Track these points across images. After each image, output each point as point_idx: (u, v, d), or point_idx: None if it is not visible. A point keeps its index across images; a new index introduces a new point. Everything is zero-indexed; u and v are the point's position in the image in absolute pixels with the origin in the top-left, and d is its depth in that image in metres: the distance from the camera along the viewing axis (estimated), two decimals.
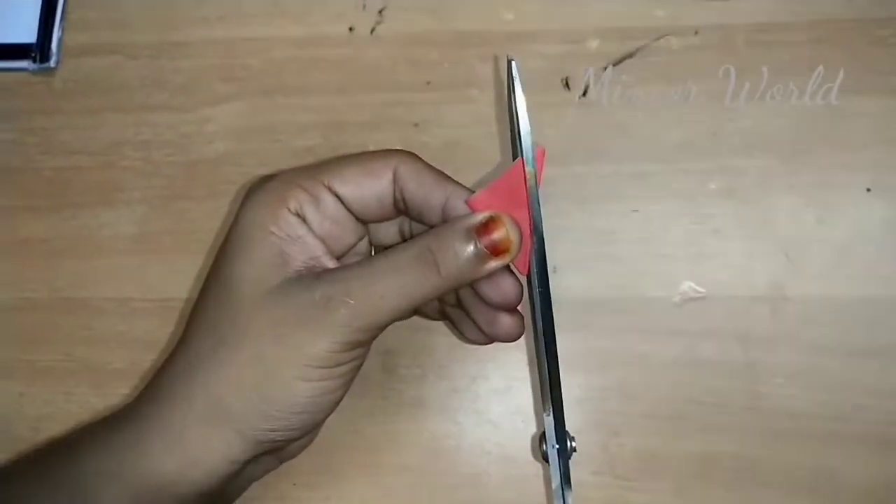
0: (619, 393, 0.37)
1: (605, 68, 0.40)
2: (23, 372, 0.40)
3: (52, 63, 0.43)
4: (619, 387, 0.37)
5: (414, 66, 0.42)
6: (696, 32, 0.40)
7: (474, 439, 0.37)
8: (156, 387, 0.29)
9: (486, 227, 0.27)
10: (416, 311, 0.34)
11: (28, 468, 0.30)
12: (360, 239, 0.32)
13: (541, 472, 0.37)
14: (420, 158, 0.30)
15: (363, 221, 0.31)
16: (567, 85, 0.40)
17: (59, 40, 0.43)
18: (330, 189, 0.29)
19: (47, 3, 0.43)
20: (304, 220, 0.29)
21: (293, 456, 0.34)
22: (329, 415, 0.30)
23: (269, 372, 0.27)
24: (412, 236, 0.33)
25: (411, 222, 0.32)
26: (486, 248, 0.27)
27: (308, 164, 0.30)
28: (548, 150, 0.39)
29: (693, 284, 0.38)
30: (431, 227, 0.30)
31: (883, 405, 0.36)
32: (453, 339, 0.38)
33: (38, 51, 0.42)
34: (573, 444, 0.30)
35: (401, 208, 0.30)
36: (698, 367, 0.37)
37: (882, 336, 0.37)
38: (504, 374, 0.38)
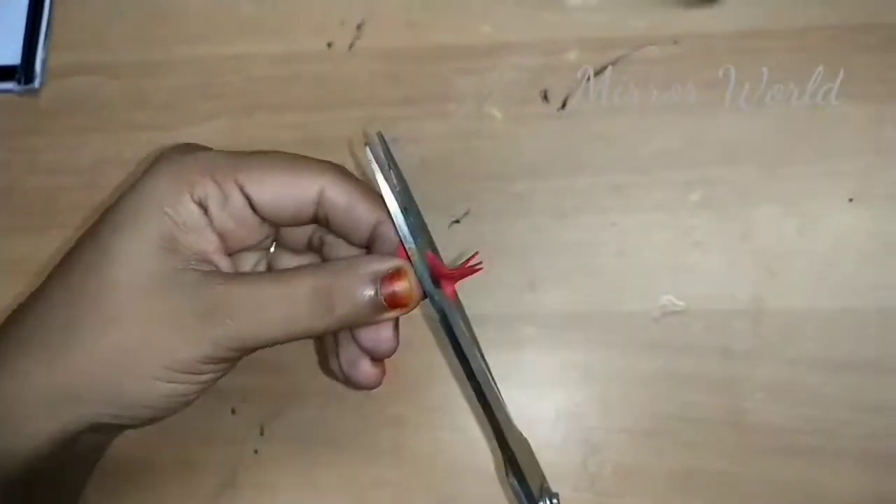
0: (599, 408, 0.37)
1: (585, 79, 0.40)
2: None
3: (36, 84, 0.43)
4: (599, 402, 0.37)
5: (392, 80, 0.41)
6: (676, 41, 0.40)
7: (453, 456, 0.37)
8: None
9: (391, 276, 0.26)
10: None
11: None
12: (263, 240, 0.30)
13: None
14: (351, 177, 0.28)
15: (272, 225, 0.29)
16: (546, 97, 0.40)
17: (43, 61, 0.44)
18: (242, 190, 0.27)
19: (31, 25, 0.43)
20: (205, 211, 0.27)
21: (137, 428, 0.31)
22: (177, 412, 0.28)
23: (124, 367, 0.25)
24: (320, 245, 0.31)
25: (322, 234, 0.31)
26: (385, 298, 0.26)
27: (233, 151, 0.28)
28: (527, 163, 0.39)
29: (672, 298, 0.37)
30: (351, 244, 0.29)
31: (867, 419, 0.36)
32: (431, 358, 0.38)
33: (22, 72, 0.43)
34: (554, 501, 0.30)
35: (321, 223, 0.29)
36: (678, 382, 0.37)
37: (865, 349, 0.36)
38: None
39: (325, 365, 0.32)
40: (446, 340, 0.28)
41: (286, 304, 0.26)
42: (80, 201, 0.42)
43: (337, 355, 0.31)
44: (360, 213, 0.28)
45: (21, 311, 0.27)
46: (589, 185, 0.39)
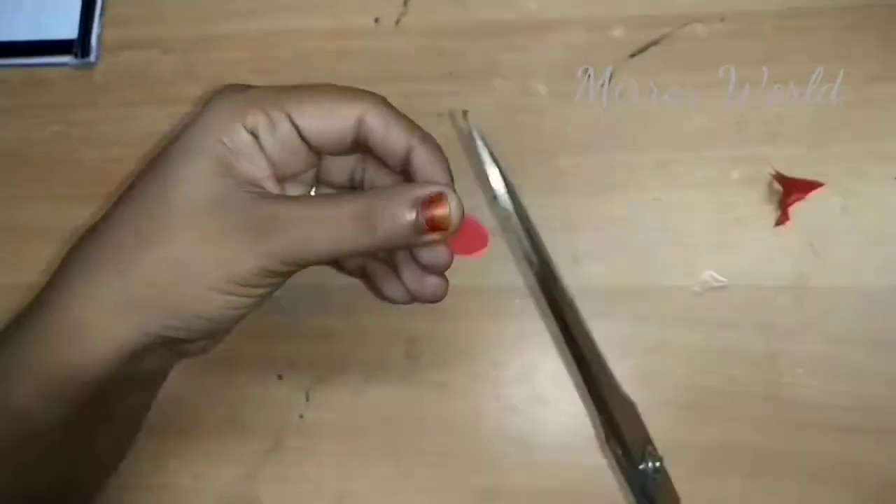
0: (639, 380, 0.37)
1: (630, 56, 0.40)
2: None
3: (92, 58, 0.44)
4: (639, 374, 0.38)
5: (438, 56, 0.42)
6: (722, 19, 0.40)
7: (494, 424, 0.38)
8: (63, 274, 0.29)
9: (431, 201, 0.27)
10: (337, 262, 0.35)
11: None
12: (309, 169, 0.32)
13: (559, 457, 0.38)
14: (388, 104, 0.30)
15: (317, 153, 0.31)
16: (590, 74, 0.41)
17: (99, 36, 0.45)
18: (290, 118, 0.29)
19: (87, 1, 0.45)
20: (256, 139, 0.29)
21: (192, 356, 0.33)
22: (231, 327, 0.30)
23: (186, 277, 0.27)
24: (362, 181, 0.33)
25: (364, 171, 0.33)
26: (425, 221, 0.27)
27: (278, 86, 0.30)
28: (571, 139, 0.40)
29: (714, 273, 0.38)
30: (388, 166, 0.31)
31: None
32: (475, 326, 0.39)
33: (79, 46, 0.44)
34: (657, 464, 0.31)
35: (361, 148, 0.30)
36: (719, 357, 0.37)
37: None
38: (525, 360, 0.39)
39: (379, 292, 0.34)
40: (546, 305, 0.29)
41: (333, 222, 0.27)
42: (133, 171, 0.43)
43: (399, 275, 0.32)
44: (395, 136, 0.29)
45: (91, 232, 0.29)
46: (632, 162, 0.39)
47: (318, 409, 0.40)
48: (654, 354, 0.38)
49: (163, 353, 0.32)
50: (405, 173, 0.31)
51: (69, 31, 0.44)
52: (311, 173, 0.33)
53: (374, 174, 0.33)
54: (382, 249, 0.28)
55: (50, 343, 0.28)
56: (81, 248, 0.29)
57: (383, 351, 0.39)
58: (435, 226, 0.27)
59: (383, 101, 0.30)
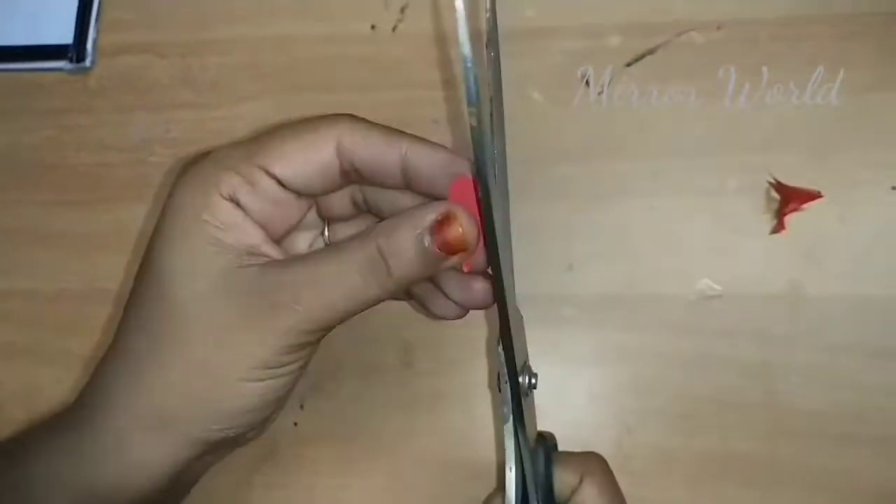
0: (634, 389, 0.37)
1: (627, 65, 0.40)
2: (59, 360, 0.41)
3: (87, 63, 0.44)
4: (634, 383, 0.38)
5: (435, 63, 0.42)
6: (719, 27, 0.40)
7: (493, 432, 0.38)
8: (92, 391, 0.28)
9: (439, 224, 0.25)
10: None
11: None
12: (306, 213, 0.30)
13: None
14: (363, 120, 0.28)
15: (308, 196, 0.29)
16: (587, 81, 0.40)
17: (94, 41, 0.45)
18: (265, 171, 0.27)
19: (83, 5, 0.44)
20: (238, 205, 0.27)
21: (240, 446, 0.32)
22: (280, 410, 0.29)
23: (213, 376, 0.26)
24: (365, 203, 0.31)
25: (363, 192, 0.30)
26: (439, 247, 0.25)
27: (243, 141, 0.28)
28: (567, 146, 0.40)
29: (710, 282, 0.38)
30: (389, 188, 0.28)
31: None
32: (472, 333, 0.39)
33: (74, 51, 0.44)
34: (533, 380, 0.29)
35: (352, 178, 0.28)
36: (714, 365, 0.37)
37: None
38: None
39: (430, 312, 0.33)
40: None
41: (345, 278, 0.26)
42: (127, 177, 0.43)
43: (444, 293, 0.31)
44: (380, 151, 0.27)
45: (107, 355, 0.28)
46: (628, 170, 0.39)
47: (313, 416, 0.39)
48: (649, 363, 0.38)
49: (215, 454, 0.30)
50: (408, 186, 0.29)
51: (64, 35, 0.44)
52: (311, 216, 0.31)
53: (377, 193, 0.30)
54: (404, 288, 0.27)
55: (87, 458, 0.27)
56: (105, 362, 0.28)
57: (379, 358, 0.39)
58: (451, 249, 0.26)
59: (354, 118, 0.28)
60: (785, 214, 0.37)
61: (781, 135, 0.38)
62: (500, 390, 0.29)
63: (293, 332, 0.26)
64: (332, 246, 0.28)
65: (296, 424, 0.39)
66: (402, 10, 0.43)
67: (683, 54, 0.40)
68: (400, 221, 0.26)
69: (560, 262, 0.39)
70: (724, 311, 0.37)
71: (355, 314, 0.27)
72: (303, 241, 0.32)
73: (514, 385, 0.28)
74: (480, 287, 0.30)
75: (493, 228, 0.24)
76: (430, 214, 0.26)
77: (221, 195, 0.26)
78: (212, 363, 0.26)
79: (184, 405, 0.26)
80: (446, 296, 0.31)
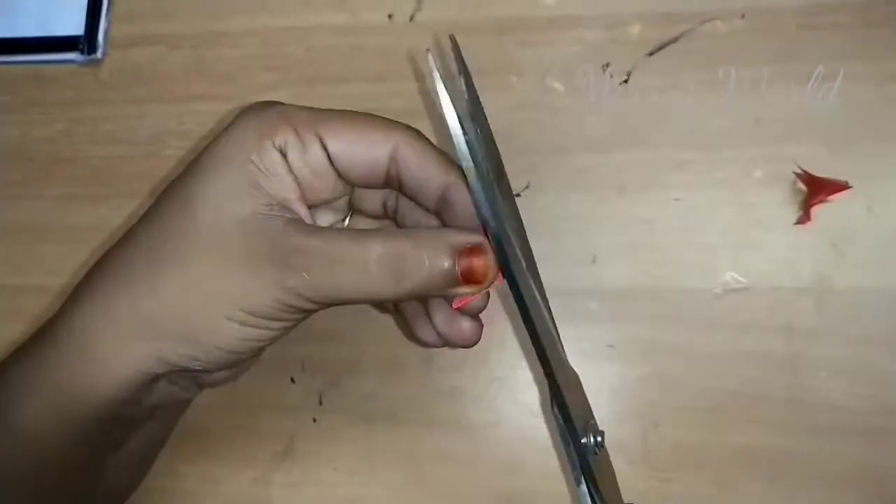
0: (659, 383, 0.37)
1: (648, 54, 0.40)
2: None
3: (99, 54, 0.44)
4: (659, 377, 0.37)
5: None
6: (743, 16, 0.39)
7: (513, 428, 0.38)
8: (80, 294, 0.28)
9: (470, 251, 0.26)
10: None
11: None
12: (340, 198, 0.31)
13: None
14: (424, 138, 0.28)
15: (346, 182, 0.29)
16: (608, 71, 0.40)
17: (106, 32, 0.44)
18: (321, 140, 0.28)
19: None
20: (285, 158, 0.27)
21: (214, 385, 0.32)
22: (254, 359, 0.29)
23: (200, 304, 0.26)
24: (394, 211, 0.31)
25: (398, 198, 0.31)
26: (461, 271, 0.26)
27: (310, 107, 0.29)
28: (589, 137, 0.39)
29: (735, 275, 0.37)
30: (422, 206, 0.29)
31: None
32: (491, 329, 0.38)
33: (85, 43, 0.43)
34: (599, 438, 0.29)
35: (394, 185, 0.29)
36: (739, 359, 0.36)
37: None
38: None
39: (411, 335, 0.32)
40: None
41: (359, 265, 0.26)
42: (140, 171, 0.42)
43: (430, 318, 0.31)
44: (430, 173, 0.28)
45: (108, 253, 0.28)
46: (651, 161, 0.39)
47: (332, 412, 0.39)
48: (673, 357, 0.37)
49: (182, 382, 0.31)
50: (439, 215, 0.29)
51: (76, 27, 0.43)
52: (343, 201, 0.31)
53: (408, 207, 0.31)
54: (409, 299, 0.27)
55: (63, 364, 0.27)
56: (97, 268, 0.28)
57: (398, 354, 0.39)
58: (470, 278, 0.26)
59: (419, 135, 0.29)
60: (812, 206, 0.36)
61: (806, 126, 0.38)
62: (567, 454, 0.29)
63: (293, 293, 0.26)
64: (355, 230, 0.28)
65: (315, 420, 0.39)
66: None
67: (707, 43, 0.39)
68: (433, 233, 0.27)
69: (583, 255, 0.38)
70: (749, 304, 0.37)
71: (352, 303, 0.27)
72: (324, 221, 0.32)
73: (578, 447, 0.28)
74: (468, 327, 0.30)
75: (522, 296, 0.25)
76: (464, 238, 0.26)
77: (274, 143, 0.27)
78: (204, 292, 0.26)
79: (165, 323, 0.26)
80: (433, 323, 0.31)
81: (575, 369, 0.31)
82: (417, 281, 0.26)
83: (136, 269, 0.27)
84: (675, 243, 0.38)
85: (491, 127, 0.32)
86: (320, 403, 0.39)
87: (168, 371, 0.28)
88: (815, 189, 0.36)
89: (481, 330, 0.31)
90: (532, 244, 0.32)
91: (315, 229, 0.27)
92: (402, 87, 0.41)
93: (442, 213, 0.29)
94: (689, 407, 0.37)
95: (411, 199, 0.30)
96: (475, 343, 0.31)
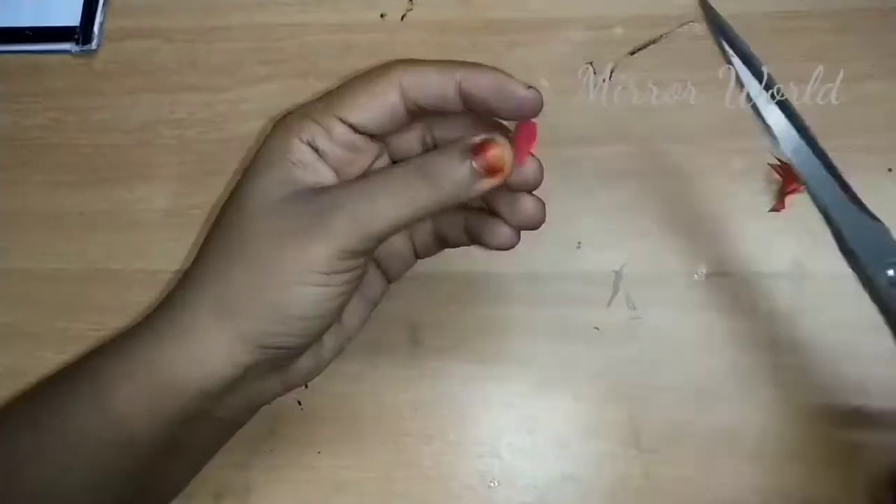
0: (644, 366, 0.37)
1: (630, 54, 0.41)
2: (56, 339, 0.40)
3: (94, 45, 0.44)
4: (644, 360, 0.38)
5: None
6: None
7: (500, 409, 0.38)
8: (171, 296, 0.31)
9: (481, 147, 0.28)
10: (443, 240, 0.35)
11: (55, 380, 0.32)
12: (379, 157, 0.32)
13: (568, 443, 0.37)
14: (416, 60, 0.30)
15: (381, 137, 0.31)
16: (593, 69, 0.42)
17: (101, 24, 0.45)
18: (340, 119, 0.30)
19: None
20: (316, 150, 0.30)
21: (297, 384, 0.34)
22: (329, 325, 0.30)
23: (270, 276, 0.28)
24: (433, 143, 0.33)
25: (432, 126, 0.33)
26: (480, 167, 0.28)
27: (322, 96, 0.31)
28: (573, 132, 0.41)
29: (716, 260, 0.38)
30: (452, 114, 0.30)
31: None
32: (479, 312, 0.39)
33: (81, 33, 0.44)
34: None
35: (418, 115, 0.31)
36: (720, 342, 0.37)
37: None
38: (529, 345, 0.38)
39: (490, 245, 0.33)
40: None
41: (389, 184, 0.28)
42: (131, 158, 0.43)
43: (499, 214, 0.33)
44: (437, 82, 0.29)
45: (188, 269, 0.31)
46: (632, 152, 0.40)
47: (317, 396, 0.39)
48: (658, 339, 0.38)
49: (269, 378, 0.32)
50: (469, 109, 0.31)
51: (72, 18, 0.44)
52: (383, 160, 0.33)
53: (443, 131, 0.33)
54: (446, 205, 0.28)
55: (161, 351, 0.29)
56: (183, 278, 0.31)
57: (385, 337, 0.39)
58: (491, 169, 0.28)
59: (407, 61, 0.30)
60: (786, 195, 0.38)
61: None
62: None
63: (341, 236, 0.28)
64: (383, 167, 0.31)
65: (300, 404, 0.38)
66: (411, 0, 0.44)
67: (685, 44, 0.41)
68: (445, 147, 0.29)
69: (568, 241, 0.39)
70: (730, 288, 0.38)
71: (401, 225, 0.28)
72: None
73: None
74: (531, 204, 0.32)
75: None
76: (473, 139, 0.28)
77: (301, 140, 0.30)
78: (267, 265, 0.28)
79: (241, 301, 0.29)
80: (503, 221, 0.33)
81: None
82: (446, 184, 0.28)
83: (211, 263, 0.30)
84: (657, 229, 0.39)
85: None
86: (305, 387, 0.39)
87: (257, 361, 0.29)
88: (788, 179, 0.38)
89: (544, 206, 0.32)
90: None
91: (345, 182, 0.30)
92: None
93: (470, 108, 0.30)
94: (674, 388, 0.37)
95: (439, 114, 0.31)
96: (542, 220, 0.32)
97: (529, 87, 0.29)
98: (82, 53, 0.44)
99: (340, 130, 0.30)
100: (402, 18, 0.44)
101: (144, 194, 0.42)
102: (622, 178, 0.40)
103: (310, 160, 0.30)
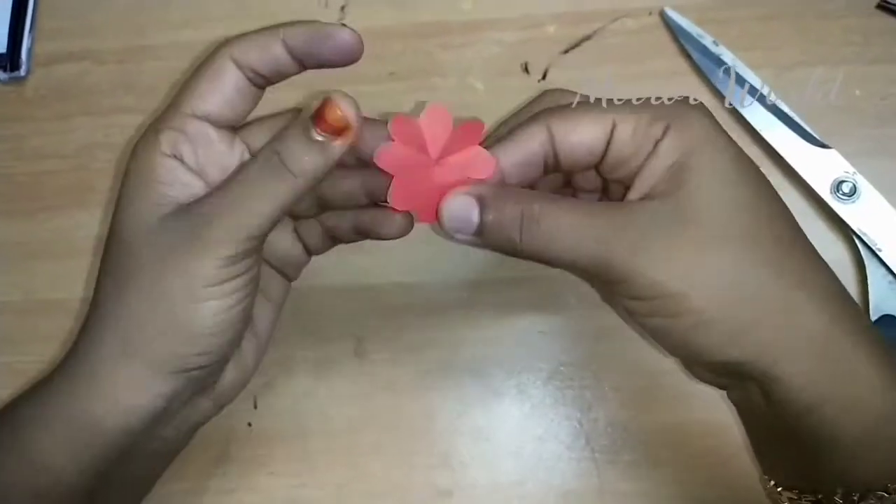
0: (591, 366, 0.38)
1: (563, 52, 0.41)
2: (0, 374, 0.40)
3: (22, 72, 0.43)
4: (591, 360, 0.38)
5: (378, 58, 0.42)
6: (651, 13, 0.41)
7: (448, 418, 0.38)
8: (77, 340, 0.30)
9: (318, 112, 0.27)
10: (332, 238, 0.34)
11: None
12: (245, 116, 0.32)
13: (520, 449, 0.37)
14: (244, 34, 0.30)
15: (241, 119, 0.31)
16: (527, 70, 0.41)
17: (29, 50, 0.44)
18: (194, 115, 0.29)
19: (16, 15, 0.44)
20: (180, 159, 0.29)
21: (229, 399, 0.34)
22: (239, 335, 0.30)
23: (164, 301, 0.28)
24: None
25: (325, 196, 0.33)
26: (324, 132, 0.27)
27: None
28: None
29: None
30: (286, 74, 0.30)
31: None
32: (424, 322, 0.39)
33: (8, 61, 0.43)
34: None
35: (264, 85, 0.30)
36: None
37: None
38: (474, 353, 0.38)
39: (386, 236, 0.33)
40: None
41: (249, 182, 0.28)
42: (68, 184, 0.42)
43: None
44: (264, 44, 0.29)
45: (89, 308, 0.30)
46: None
47: (267, 415, 0.39)
48: (604, 339, 0.38)
49: (196, 401, 0.32)
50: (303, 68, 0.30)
51: None
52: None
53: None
54: (310, 185, 0.28)
55: (75, 396, 0.29)
56: (85, 320, 0.30)
57: (331, 351, 0.39)
58: (335, 131, 0.27)
59: (234, 37, 0.30)
60: None
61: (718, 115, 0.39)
62: None
63: (218, 242, 0.27)
64: (242, 164, 0.30)
65: (250, 425, 0.38)
66: (343, 7, 0.43)
67: (618, 40, 0.41)
68: (290, 126, 0.28)
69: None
70: None
71: (276, 217, 0.28)
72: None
73: None
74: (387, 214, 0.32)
75: None
76: (310, 108, 0.28)
77: (164, 153, 0.28)
78: (160, 289, 0.28)
79: (143, 331, 0.28)
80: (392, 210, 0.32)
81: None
82: (301, 164, 0.27)
83: (105, 300, 0.29)
84: None
85: None
86: (255, 407, 0.39)
87: (176, 388, 0.29)
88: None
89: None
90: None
91: (214, 190, 0.29)
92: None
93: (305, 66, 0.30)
94: (621, 387, 0.37)
95: (274, 81, 0.31)
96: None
97: (345, 26, 0.29)
98: (11, 81, 0.43)
99: (195, 127, 0.29)
100: None
101: (84, 220, 0.42)
102: None
103: (177, 175, 0.29)
